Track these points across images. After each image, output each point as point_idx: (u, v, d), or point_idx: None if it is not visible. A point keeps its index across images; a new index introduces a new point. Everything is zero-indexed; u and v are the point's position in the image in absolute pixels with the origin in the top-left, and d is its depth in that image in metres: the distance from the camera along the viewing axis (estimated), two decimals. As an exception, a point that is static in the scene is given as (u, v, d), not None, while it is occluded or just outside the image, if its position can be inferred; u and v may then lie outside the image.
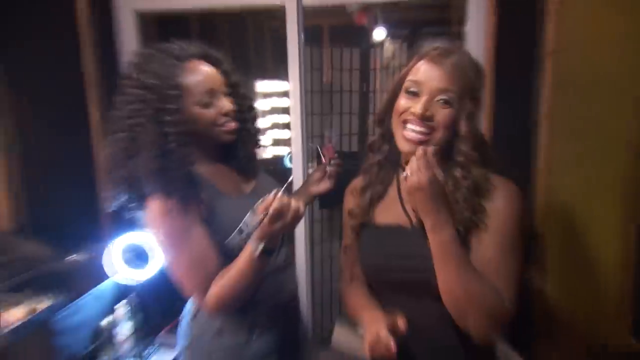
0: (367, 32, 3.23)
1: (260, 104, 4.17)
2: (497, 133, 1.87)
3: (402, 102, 1.07)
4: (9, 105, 1.90)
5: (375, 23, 3.12)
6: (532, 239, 1.90)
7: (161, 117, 1.10)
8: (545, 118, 1.76)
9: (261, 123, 4.20)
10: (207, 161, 1.26)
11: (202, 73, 1.18)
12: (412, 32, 3.37)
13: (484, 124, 1.86)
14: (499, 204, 1.04)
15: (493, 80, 1.81)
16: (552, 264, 1.83)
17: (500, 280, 1.00)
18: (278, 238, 1.13)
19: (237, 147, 1.31)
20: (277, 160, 3.77)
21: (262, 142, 1.41)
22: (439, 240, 0.96)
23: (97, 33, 2.04)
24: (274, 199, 1.04)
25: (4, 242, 1.76)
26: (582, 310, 1.80)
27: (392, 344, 0.97)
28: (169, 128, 1.11)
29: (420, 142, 1.05)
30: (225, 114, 1.21)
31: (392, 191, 1.19)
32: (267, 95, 4.12)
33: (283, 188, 1.09)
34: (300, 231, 2.12)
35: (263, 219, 1.05)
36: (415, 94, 1.05)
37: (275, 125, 4.17)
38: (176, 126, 1.12)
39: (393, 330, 1.01)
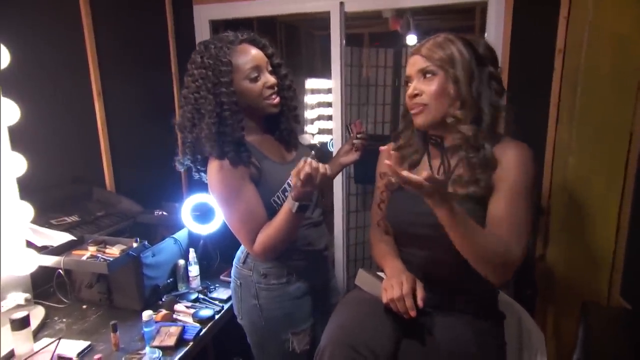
0: (400, 36, 3.25)
1: (308, 99, 4.28)
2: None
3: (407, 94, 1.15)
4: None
5: (407, 29, 3.13)
6: (539, 213, 1.90)
7: (217, 89, 1.17)
8: (553, 107, 1.81)
9: (309, 114, 4.31)
10: (256, 132, 1.31)
11: (249, 53, 1.24)
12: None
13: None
14: (509, 163, 1.06)
15: (508, 77, 1.86)
16: (553, 234, 1.85)
17: (511, 231, 1.04)
18: (311, 197, 1.17)
19: (279, 120, 1.35)
20: (322, 145, 3.86)
21: (299, 118, 1.42)
22: (441, 215, 0.98)
23: (181, 38, 2.30)
24: (305, 164, 1.07)
25: (108, 199, 1.95)
26: (579, 274, 1.88)
27: (414, 311, 1.00)
28: (224, 98, 1.18)
29: (419, 119, 1.11)
30: (270, 87, 1.25)
31: (424, 160, 1.22)
32: (314, 91, 4.20)
33: (311, 155, 1.12)
34: (338, 202, 2.28)
35: (296, 182, 1.08)
36: (407, 84, 1.14)
37: (320, 117, 4.25)
38: (229, 96, 1.18)
39: (413, 294, 1.03)
